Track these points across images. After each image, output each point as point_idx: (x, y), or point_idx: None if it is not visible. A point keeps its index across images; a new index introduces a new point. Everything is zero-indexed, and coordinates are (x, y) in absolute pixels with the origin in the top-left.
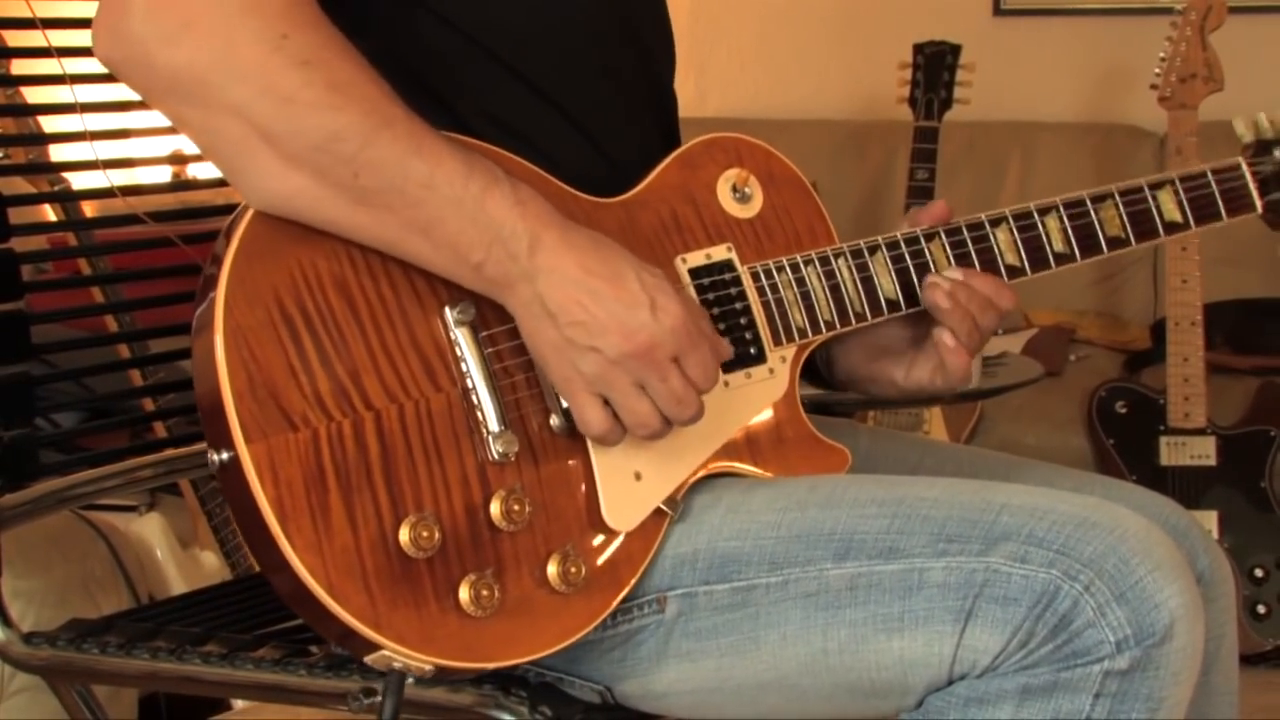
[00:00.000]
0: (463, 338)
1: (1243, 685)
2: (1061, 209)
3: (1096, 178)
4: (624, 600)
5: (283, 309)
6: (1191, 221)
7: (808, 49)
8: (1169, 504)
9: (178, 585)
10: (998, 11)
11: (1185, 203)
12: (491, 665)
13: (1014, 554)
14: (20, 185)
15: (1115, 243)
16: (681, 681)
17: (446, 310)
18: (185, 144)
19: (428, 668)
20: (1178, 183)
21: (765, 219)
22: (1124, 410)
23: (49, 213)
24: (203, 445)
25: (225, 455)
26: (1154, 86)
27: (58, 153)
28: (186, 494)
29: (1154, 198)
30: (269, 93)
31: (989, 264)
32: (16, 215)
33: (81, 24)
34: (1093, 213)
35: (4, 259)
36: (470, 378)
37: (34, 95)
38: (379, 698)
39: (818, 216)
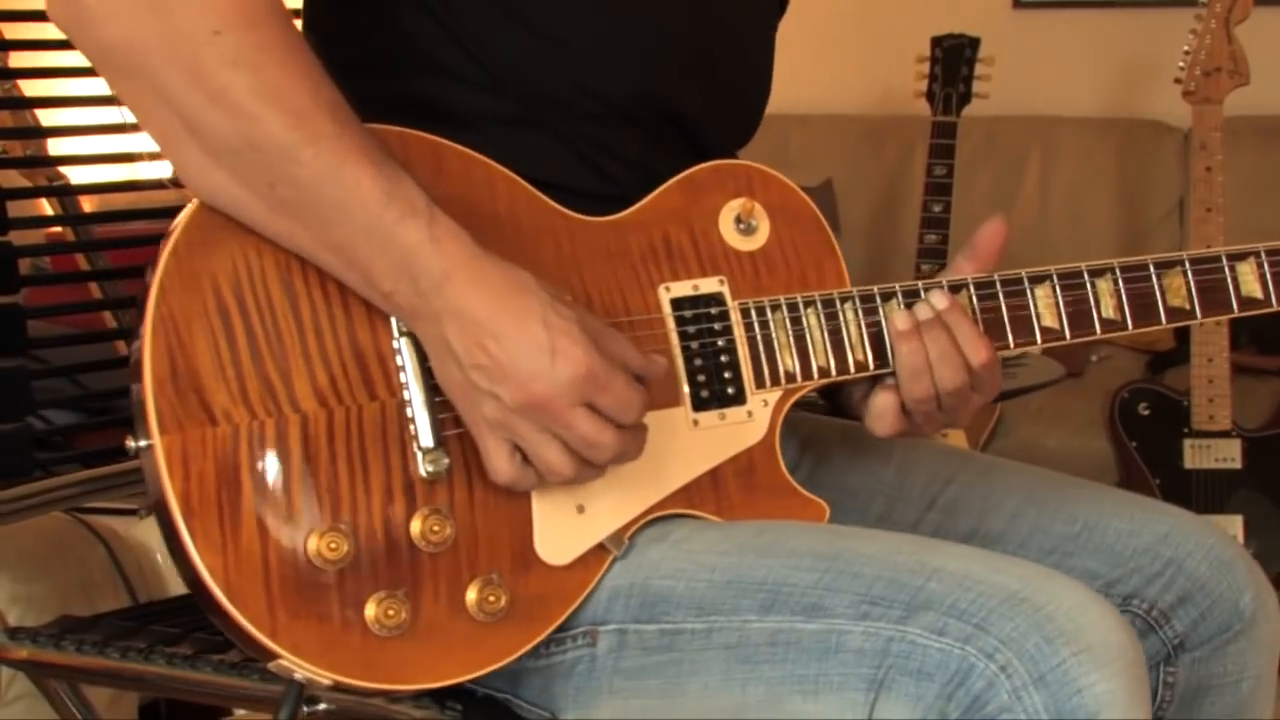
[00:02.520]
0: (405, 347)
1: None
2: (1118, 272)
3: (1118, 174)
4: (556, 631)
5: (220, 299)
6: (1274, 300)
7: (823, 42)
8: (1217, 535)
9: (178, 589)
10: (1017, 4)
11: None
12: (392, 687)
13: (933, 625)
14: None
15: (1176, 314)
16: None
17: (393, 319)
18: None
19: (325, 681)
20: (1263, 255)
21: (769, 254)
22: (1147, 412)
23: (45, 208)
24: None
25: (142, 443)
26: (1178, 80)
27: (54, 146)
28: None
29: (1232, 269)
30: (196, 87)
31: (1021, 322)
32: (14, 209)
33: None
34: (1155, 279)
35: (2, 252)
36: (408, 389)
37: (31, 89)
38: (319, 705)
39: (830, 256)
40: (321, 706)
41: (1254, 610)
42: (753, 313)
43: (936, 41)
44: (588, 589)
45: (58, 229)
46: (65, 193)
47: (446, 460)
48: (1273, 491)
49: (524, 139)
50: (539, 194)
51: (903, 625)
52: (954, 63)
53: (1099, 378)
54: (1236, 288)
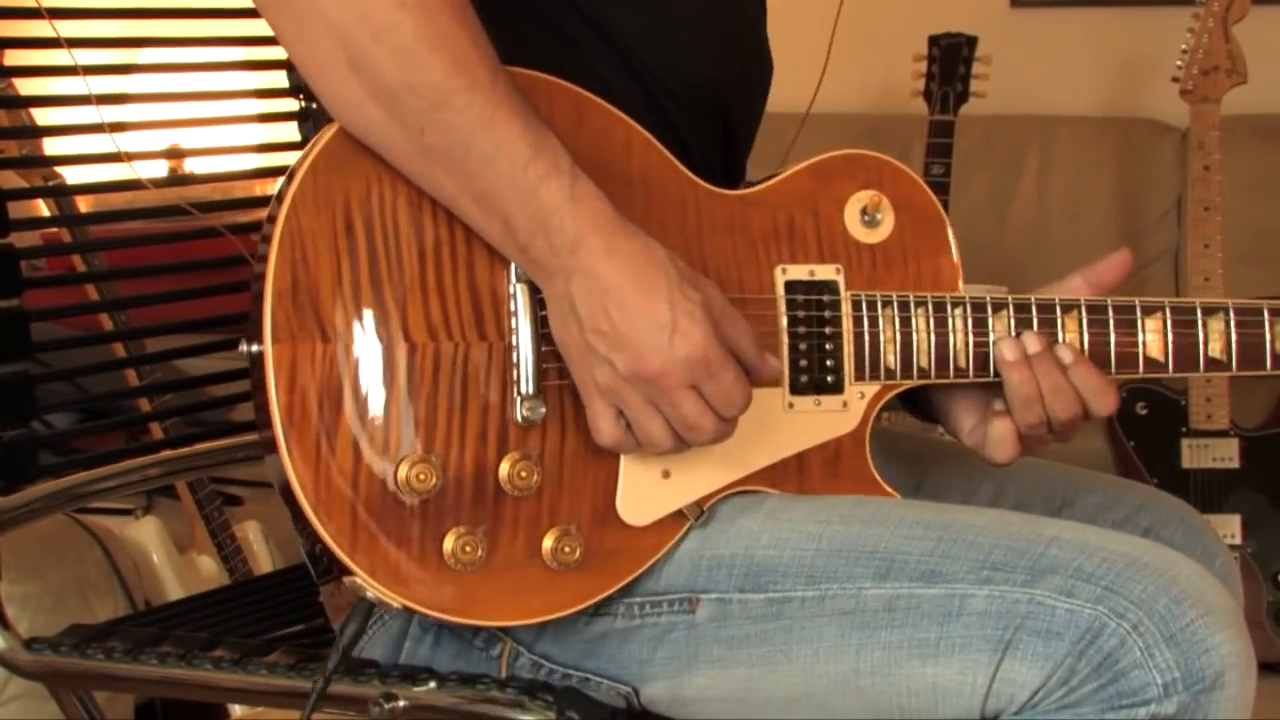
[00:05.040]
0: (521, 293)
1: (1263, 693)
2: (1231, 313)
3: (1116, 172)
4: (650, 594)
5: (349, 220)
6: None
7: (819, 40)
8: (1186, 507)
9: (174, 590)
10: (1015, 3)
11: None
12: (457, 619)
13: (1060, 587)
14: (14, 180)
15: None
16: (711, 689)
17: (512, 264)
18: (182, 138)
19: (395, 605)
20: None
21: (889, 249)
22: (1145, 412)
23: (42, 209)
24: (202, 446)
25: (254, 348)
26: (1175, 79)
27: (50, 146)
28: (184, 497)
29: None
30: (364, 23)
31: (1127, 353)
32: (13, 210)
33: (86, 14)
34: (1268, 326)
35: (3, 255)
36: (518, 334)
37: (26, 87)
38: (399, 702)
39: (947, 258)
40: (402, 703)
41: (1226, 574)
42: (864, 305)
43: (934, 40)
44: (660, 552)
45: (53, 229)
46: (62, 193)
47: (543, 409)
48: (1271, 491)
49: (641, 118)
50: (674, 160)
51: (1029, 588)
52: (951, 62)
53: None
54: None
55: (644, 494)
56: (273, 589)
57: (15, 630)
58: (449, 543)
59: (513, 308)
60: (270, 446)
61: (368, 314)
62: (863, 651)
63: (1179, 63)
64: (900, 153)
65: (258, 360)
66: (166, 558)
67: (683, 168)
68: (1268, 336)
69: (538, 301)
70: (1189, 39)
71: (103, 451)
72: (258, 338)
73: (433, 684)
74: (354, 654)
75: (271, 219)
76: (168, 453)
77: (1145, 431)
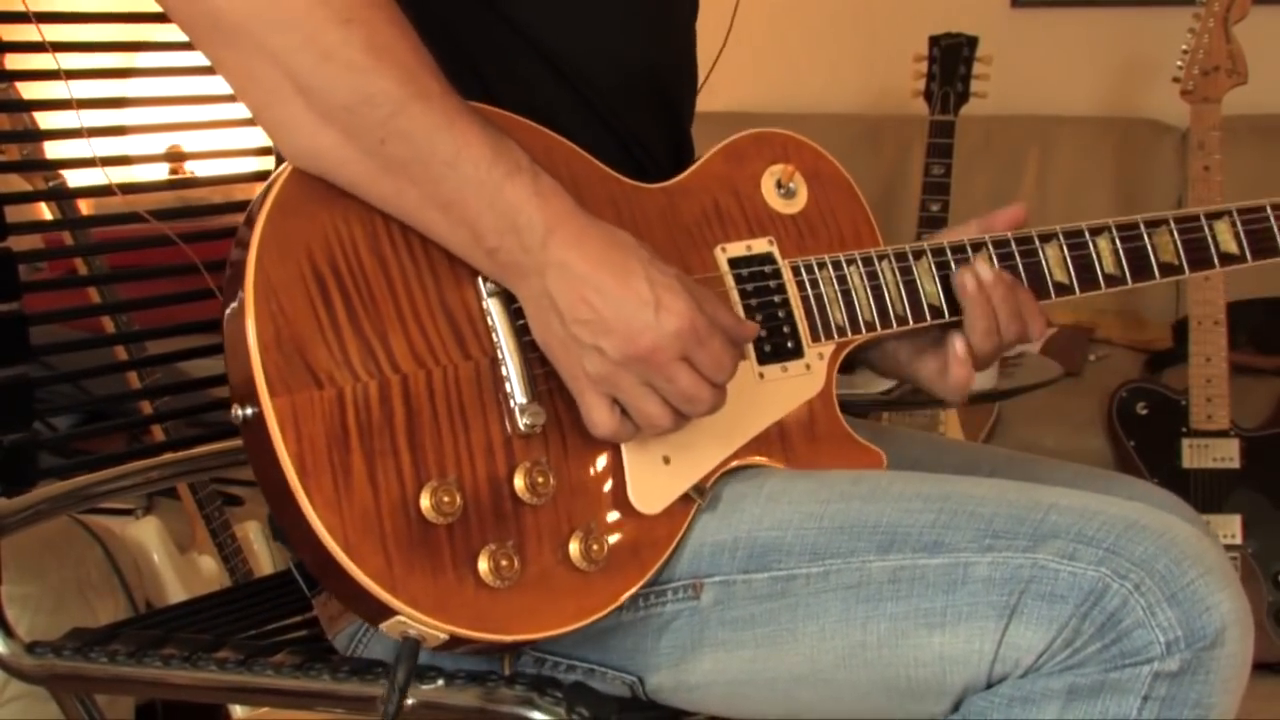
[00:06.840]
0: (494, 308)
1: (1263, 693)
2: (1114, 230)
3: (1117, 173)
4: (654, 584)
5: (314, 266)
6: (1248, 255)
7: (820, 41)
8: (1178, 500)
9: (175, 591)
10: (1015, 3)
11: (1242, 235)
12: (507, 638)
13: (1062, 551)
14: (15, 183)
15: (1168, 269)
16: (716, 673)
17: (480, 279)
18: (183, 141)
19: (442, 635)
20: (1235, 214)
21: (809, 216)
22: (1145, 411)
23: (44, 211)
24: (203, 448)
25: (249, 410)
26: (1176, 79)
27: (53, 150)
28: (184, 497)
29: (1210, 228)
30: (309, 45)
31: (1036, 279)
32: (12, 214)
33: (77, 18)
34: (1146, 237)
35: (2, 258)
36: (500, 348)
37: (29, 91)
38: (408, 700)
39: (864, 220)
40: (411, 702)
41: None
42: (802, 270)
43: (934, 40)
44: (676, 538)
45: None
46: (62, 196)
47: (543, 415)
48: (1271, 491)
49: (572, 125)
50: (596, 162)
51: (1031, 553)
52: (952, 62)
53: (1097, 377)
54: (1216, 244)
55: (652, 482)
56: (274, 589)
57: (17, 635)
58: (483, 563)
59: (490, 322)
60: (285, 506)
61: (354, 354)
62: (869, 624)
63: (1179, 63)
64: (900, 153)
65: (255, 421)
66: (167, 558)
67: (606, 169)
68: (1149, 246)
69: (513, 311)
70: (1189, 39)
71: (106, 454)
72: (249, 398)
73: (441, 682)
74: (357, 654)
75: (237, 274)
76: (171, 454)
77: (1145, 431)
